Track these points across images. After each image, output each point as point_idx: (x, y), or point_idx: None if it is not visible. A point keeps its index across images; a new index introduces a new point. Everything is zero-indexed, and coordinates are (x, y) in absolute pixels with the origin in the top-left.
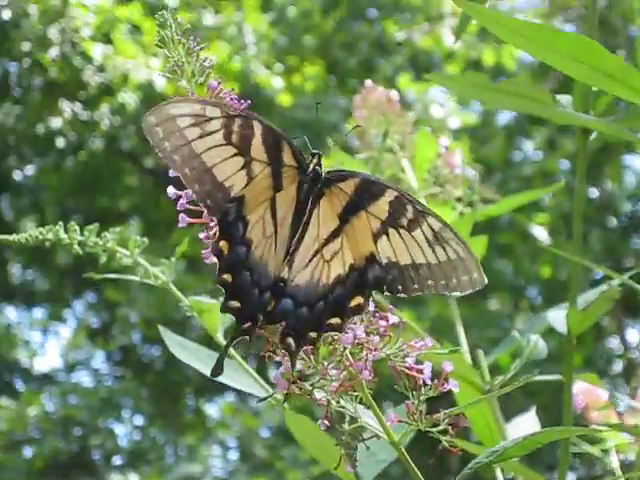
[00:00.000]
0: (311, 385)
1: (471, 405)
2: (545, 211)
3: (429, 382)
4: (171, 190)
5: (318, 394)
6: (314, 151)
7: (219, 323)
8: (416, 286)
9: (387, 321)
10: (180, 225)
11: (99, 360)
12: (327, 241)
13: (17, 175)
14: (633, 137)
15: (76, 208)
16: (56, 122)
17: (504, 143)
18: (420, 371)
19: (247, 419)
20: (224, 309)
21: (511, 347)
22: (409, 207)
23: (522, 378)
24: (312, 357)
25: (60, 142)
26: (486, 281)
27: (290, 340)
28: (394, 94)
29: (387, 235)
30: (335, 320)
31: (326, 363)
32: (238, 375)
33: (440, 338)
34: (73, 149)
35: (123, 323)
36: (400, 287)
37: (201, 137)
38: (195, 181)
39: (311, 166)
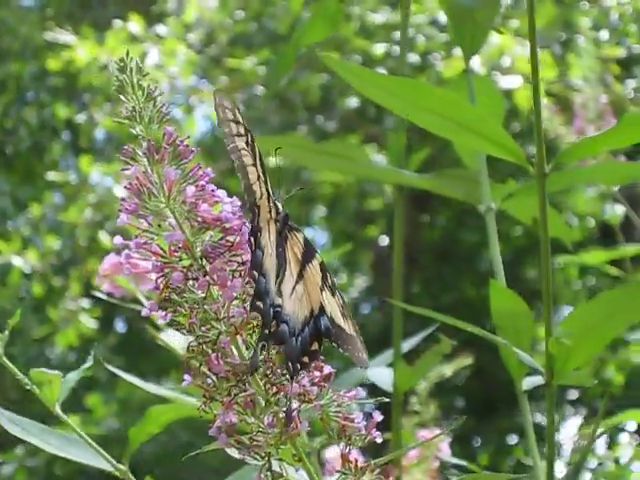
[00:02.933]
0: (250, 439)
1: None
2: None
3: (363, 431)
4: (118, 239)
5: (241, 452)
6: (277, 196)
7: (57, 396)
8: (345, 347)
9: (321, 371)
10: (125, 274)
11: None
12: (296, 282)
13: None
14: (452, 192)
15: None
16: None
17: None
18: (352, 420)
19: None
20: (252, 307)
21: None
22: (328, 274)
23: None
24: (249, 410)
25: None
26: (368, 364)
27: (290, 366)
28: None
29: (324, 292)
30: (305, 359)
31: (264, 416)
32: (75, 448)
33: None
34: None
35: None
36: (339, 343)
37: (238, 135)
38: (239, 172)
39: (280, 206)
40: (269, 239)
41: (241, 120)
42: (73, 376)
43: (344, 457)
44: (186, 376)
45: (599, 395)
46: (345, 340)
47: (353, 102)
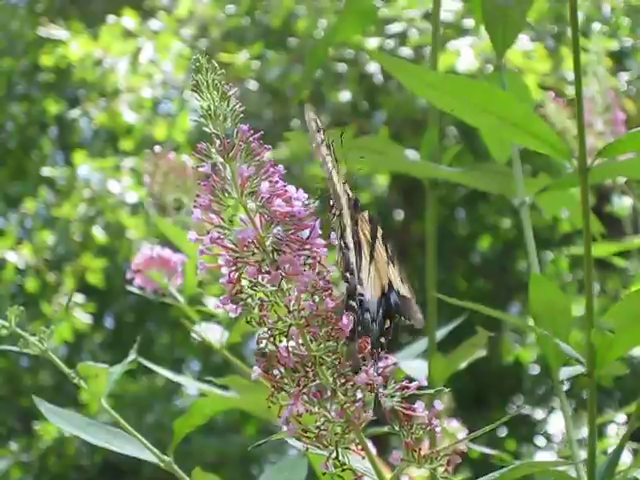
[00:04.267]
0: (317, 428)
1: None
2: None
3: (427, 420)
4: (192, 235)
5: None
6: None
7: (105, 388)
8: (408, 314)
9: (385, 362)
10: (200, 271)
11: None
12: (369, 264)
13: None
14: (486, 186)
15: None
16: None
17: None
18: (414, 410)
19: None
20: (346, 308)
21: None
22: (388, 245)
23: None
24: (316, 400)
25: None
26: (424, 324)
27: (373, 352)
28: (187, 159)
29: (389, 265)
30: (382, 339)
31: (331, 406)
32: (120, 441)
33: None
34: None
35: None
36: (405, 315)
37: (322, 143)
38: (327, 182)
39: (350, 192)
40: (350, 235)
41: (321, 125)
42: (117, 369)
43: (407, 445)
44: (255, 368)
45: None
46: (405, 306)
47: (345, 96)
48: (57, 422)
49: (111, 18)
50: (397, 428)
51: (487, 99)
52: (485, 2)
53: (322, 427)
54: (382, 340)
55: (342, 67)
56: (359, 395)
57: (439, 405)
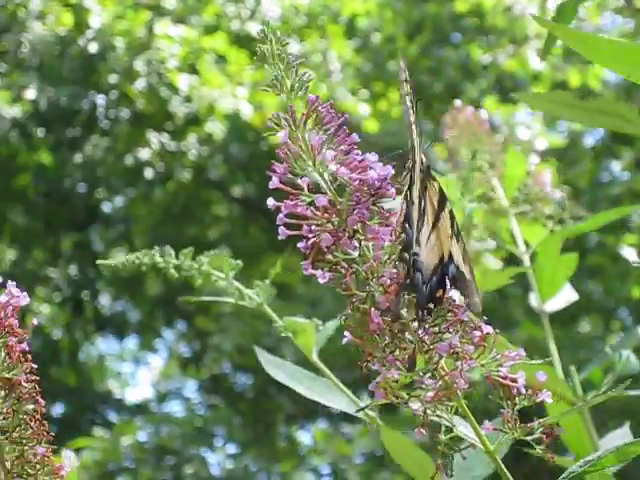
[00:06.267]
0: (408, 394)
1: (564, 415)
2: (634, 232)
3: (523, 391)
4: (271, 202)
5: (414, 404)
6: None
7: (313, 343)
8: (463, 292)
9: (481, 331)
10: (280, 237)
11: (191, 389)
12: (431, 231)
13: (106, 207)
14: None
15: (165, 238)
16: (144, 153)
17: (591, 164)
18: (514, 380)
19: (340, 446)
20: (399, 258)
21: (604, 363)
22: (455, 222)
23: (614, 390)
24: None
25: (149, 173)
26: (480, 309)
27: (418, 312)
28: (483, 113)
29: (452, 239)
30: (431, 306)
31: (422, 372)
32: (333, 395)
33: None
34: (161, 180)
35: (214, 352)
36: (460, 289)
37: (407, 94)
38: (407, 130)
39: (423, 159)
40: (416, 191)
41: (407, 78)
42: (332, 325)
43: (504, 416)
44: (346, 333)
45: None
46: (464, 284)
47: None
48: (273, 372)
49: None
50: (498, 398)
51: None
52: None
53: (412, 393)
54: (430, 306)
55: None
56: (458, 364)
57: (542, 377)
